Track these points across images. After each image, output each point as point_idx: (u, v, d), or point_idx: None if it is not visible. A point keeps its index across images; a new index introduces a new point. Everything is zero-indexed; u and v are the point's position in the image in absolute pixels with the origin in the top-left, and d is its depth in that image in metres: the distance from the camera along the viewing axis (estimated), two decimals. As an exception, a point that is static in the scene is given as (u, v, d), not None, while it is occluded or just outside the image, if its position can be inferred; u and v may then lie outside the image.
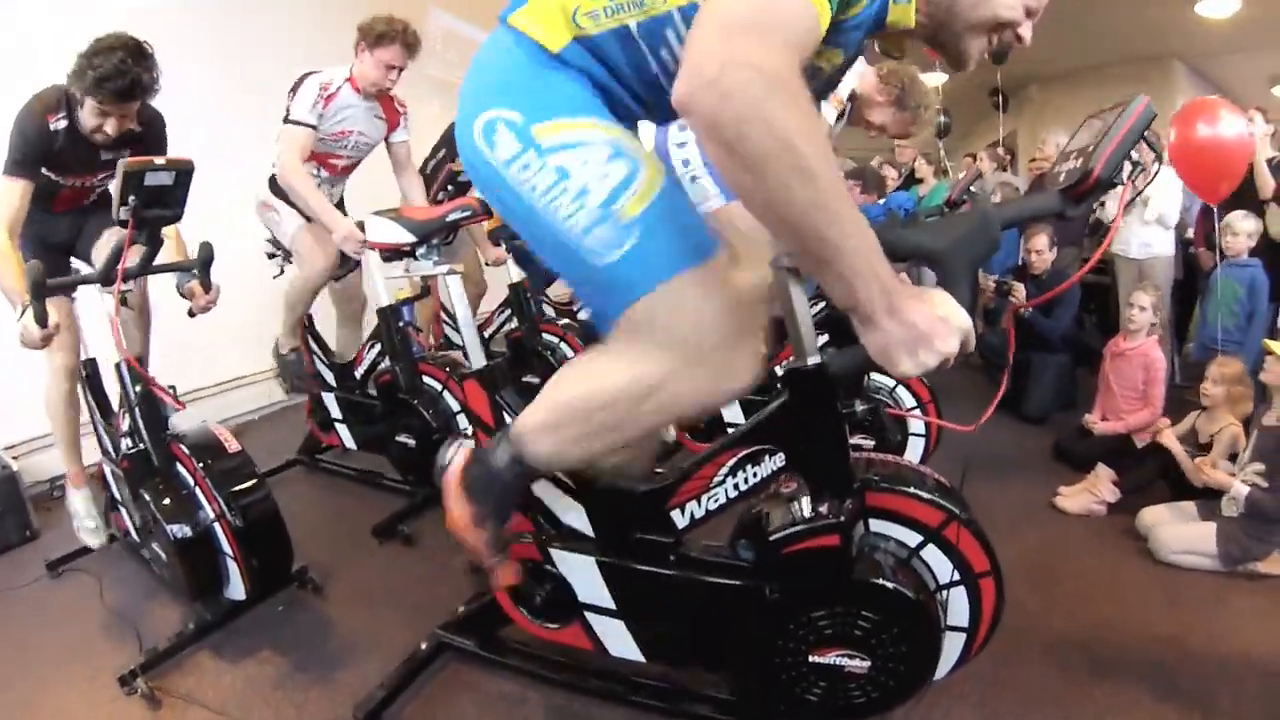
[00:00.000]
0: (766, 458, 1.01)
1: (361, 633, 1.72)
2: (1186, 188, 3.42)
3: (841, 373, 0.77)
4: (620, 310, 0.86)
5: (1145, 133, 0.85)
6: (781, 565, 1.01)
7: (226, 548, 1.66)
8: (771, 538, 1.00)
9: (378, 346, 2.41)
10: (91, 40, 1.69)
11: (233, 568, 1.68)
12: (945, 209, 2.60)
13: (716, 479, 1.04)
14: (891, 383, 2.25)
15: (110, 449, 1.91)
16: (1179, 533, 1.95)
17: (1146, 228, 3.69)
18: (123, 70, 1.64)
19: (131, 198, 1.43)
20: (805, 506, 1.00)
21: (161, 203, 1.49)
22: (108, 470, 1.95)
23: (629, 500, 1.10)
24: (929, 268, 0.79)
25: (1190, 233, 3.94)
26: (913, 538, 1.07)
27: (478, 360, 1.18)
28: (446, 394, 2.25)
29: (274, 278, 2.60)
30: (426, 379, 2.27)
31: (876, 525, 1.08)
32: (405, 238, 1.33)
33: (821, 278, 0.68)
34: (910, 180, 5.13)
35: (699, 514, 1.08)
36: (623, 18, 0.82)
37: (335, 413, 2.55)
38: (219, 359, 3.42)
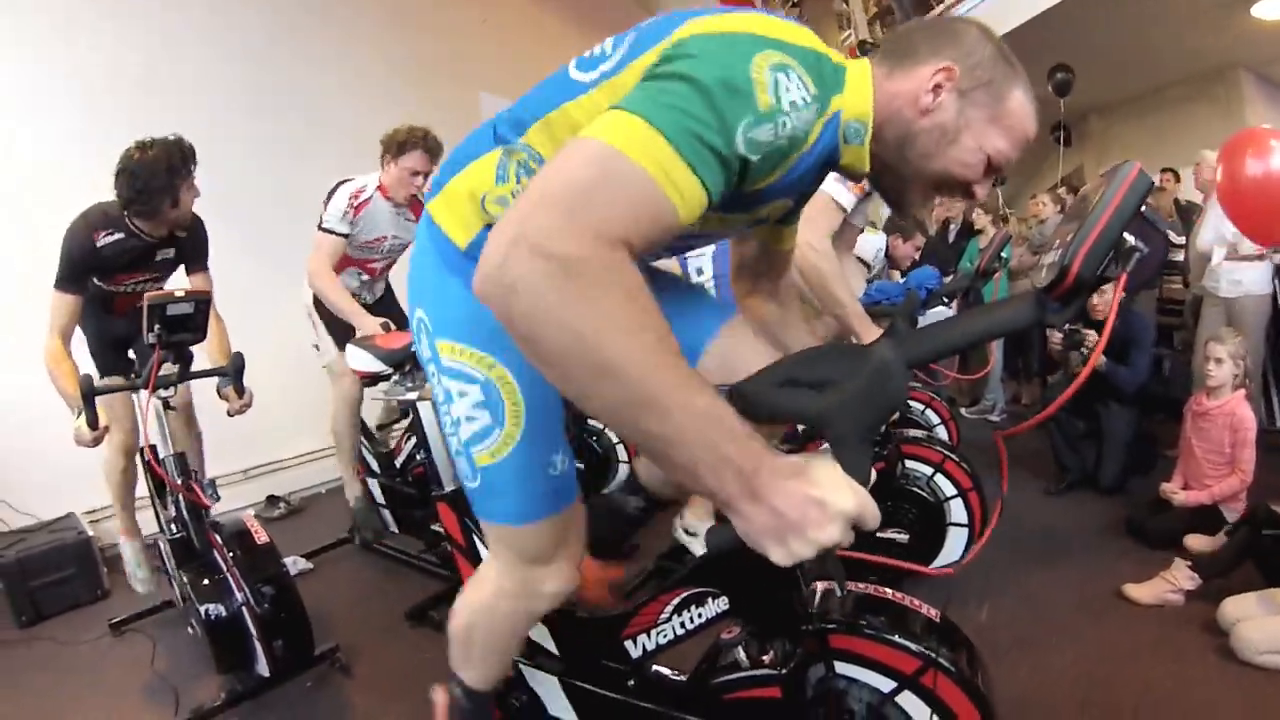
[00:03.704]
0: (710, 600, 0.98)
1: (375, 718, 1.78)
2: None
3: (715, 551, 0.62)
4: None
5: (1143, 208, 0.67)
6: (723, 711, 0.96)
7: (253, 629, 1.77)
8: (712, 681, 0.96)
9: (414, 439, 2.46)
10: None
11: (258, 648, 1.78)
12: (974, 281, 2.43)
13: (663, 616, 1.02)
14: (929, 470, 2.12)
15: (162, 527, 2.08)
16: (1268, 629, 1.70)
17: (1237, 264, 3.33)
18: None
19: (157, 326, 1.61)
20: (753, 651, 0.95)
21: (184, 328, 1.68)
22: (161, 545, 2.12)
23: (586, 627, 1.09)
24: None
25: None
26: (886, 683, 0.99)
27: (448, 483, 1.23)
28: None
29: (323, 367, 2.73)
30: None
31: (846, 668, 1.01)
32: (379, 366, 1.40)
33: (662, 470, 0.58)
34: (969, 232, 4.80)
35: (650, 647, 1.06)
36: None
37: (379, 497, 2.65)
38: (293, 436, 3.76)
